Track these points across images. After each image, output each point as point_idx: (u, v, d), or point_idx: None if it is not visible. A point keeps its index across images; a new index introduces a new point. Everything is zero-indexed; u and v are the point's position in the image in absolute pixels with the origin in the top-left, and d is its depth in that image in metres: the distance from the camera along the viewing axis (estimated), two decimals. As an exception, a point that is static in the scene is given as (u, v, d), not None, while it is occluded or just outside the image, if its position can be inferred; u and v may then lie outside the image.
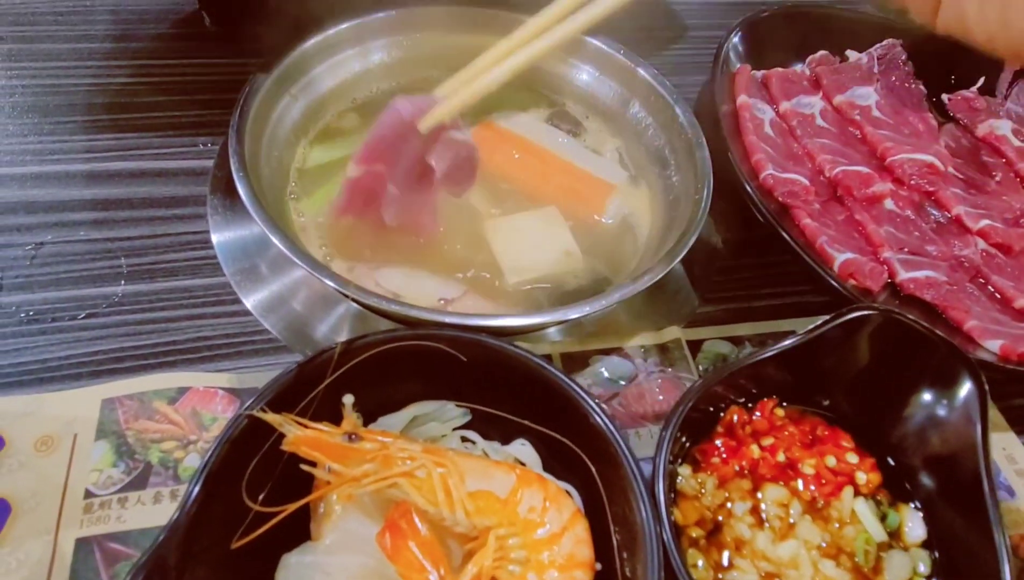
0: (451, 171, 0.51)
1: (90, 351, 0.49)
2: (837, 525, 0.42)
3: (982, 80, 0.77)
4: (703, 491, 0.43)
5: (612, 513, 0.38)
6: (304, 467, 0.36)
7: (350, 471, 0.36)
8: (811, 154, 0.66)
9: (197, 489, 0.33)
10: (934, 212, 0.64)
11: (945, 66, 0.77)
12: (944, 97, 0.77)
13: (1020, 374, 0.53)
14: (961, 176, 0.68)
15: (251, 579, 0.36)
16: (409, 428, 0.43)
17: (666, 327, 0.56)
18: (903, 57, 0.74)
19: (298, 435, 0.36)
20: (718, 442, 0.45)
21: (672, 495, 0.43)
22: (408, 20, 0.64)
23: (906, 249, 0.59)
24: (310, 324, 0.53)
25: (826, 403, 0.48)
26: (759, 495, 0.43)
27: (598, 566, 0.37)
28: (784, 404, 0.48)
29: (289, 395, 0.38)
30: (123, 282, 0.53)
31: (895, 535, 0.43)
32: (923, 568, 0.42)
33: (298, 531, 0.38)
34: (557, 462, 0.42)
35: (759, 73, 0.72)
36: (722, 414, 0.46)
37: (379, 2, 0.63)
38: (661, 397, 0.52)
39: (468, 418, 0.44)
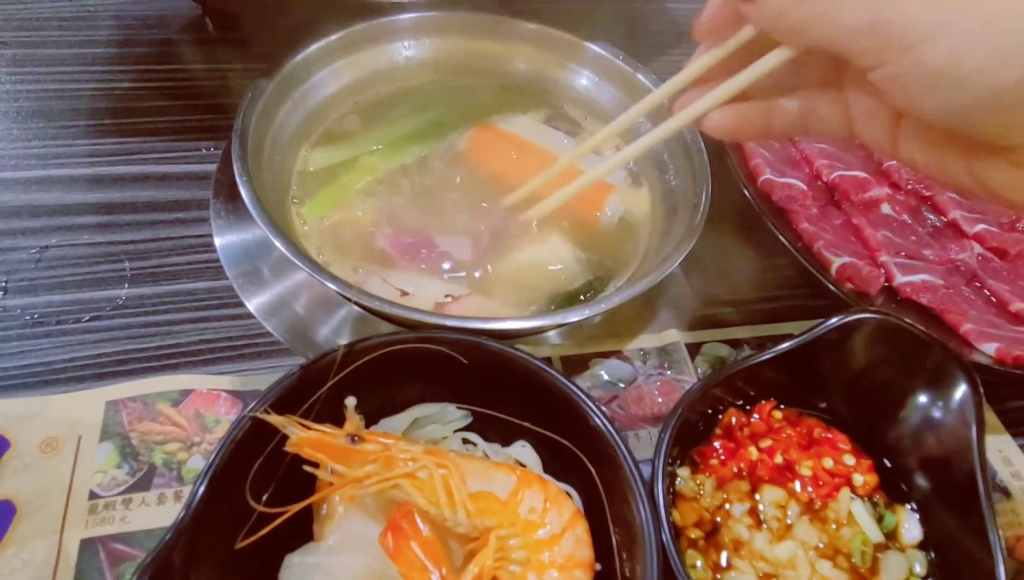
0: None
1: (94, 354, 0.49)
2: (834, 526, 0.43)
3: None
4: (702, 492, 0.44)
5: (612, 514, 0.39)
6: (307, 468, 0.37)
7: (352, 472, 0.36)
8: (809, 159, 0.66)
9: (202, 489, 0.34)
10: (930, 216, 0.65)
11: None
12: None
13: (1015, 377, 0.53)
14: (957, 180, 0.68)
15: (254, 579, 0.36)
16: (411, 430, 0.43)
17: (665, 330, 0.56)
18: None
19: (301, 437, 0.36)
20: (717, 444, 0.46)
21: (671, 496, 0.43)
22: (409, 26, 0.65)
23: (903, 253, 0.60)
24: (312, 327, 0.53)
25: (823, 405, 0.49)
26: (757, 496, 0.44)
27: (598, 566, 0.38)
28: (782, 406, 0.48)
29: (292, 397, 0.38)
30: (127, 285, 0.54)
31: (891, 536, 0.44)
32: (919, 569, 0.43)
33: (301, 532, 0.38)
34: (557, 464, 0.42)
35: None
36: (720, 416, 0.47)
37: (379, 9, 0.64)
38: (660, 399, 0.52)
39: (469, 420, 0.44)
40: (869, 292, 0.57)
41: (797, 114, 0.37)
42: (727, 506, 0.43)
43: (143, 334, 0.51)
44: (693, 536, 0.42)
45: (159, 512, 0.43)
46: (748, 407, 0.48)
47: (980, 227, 0.63)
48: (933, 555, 0.43)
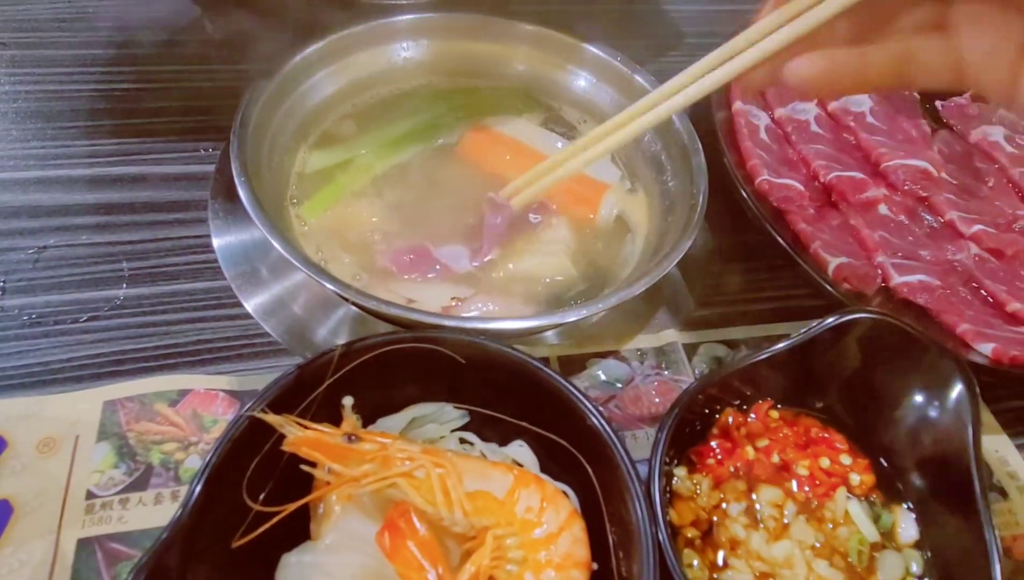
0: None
1: (92, 354, 0.50)
2: (831, 526, 0.43)
3: (975, 87, 0.78)
4: (698, 492, 0.44)
5: (608, 513, 0.39)
6: (304, 468, 0.37)
7: (350, 471, 0.36)
8: (806, 160, 0.67)
9: (199, 489, 0.34)
10: (927, 217, 0.65)
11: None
12: (938, 104, 0.78)
13: (1012, 377, 0.53)
14: (954, 181, 0.69)
15: (251, 579, 0.36)
16: (408, 430, 0.43)
17: (662, 330, 0.56)
18: (897, 64, 0.75)
19: (298, 436, 0.36)
20: (713, 444, 0.46)
21: (668, 496, 0.43)
22: (407, 27, 0.65)
23: (900, 254, 0.60)
24: (310, 327, 0.53)
25: (820, 405, 0.49)
26: (754, 496, 0.44)
27: (595, 566, 0.38)
28: (779, 406, 0.48)
29: (289, 397, 0.38)
30: (125, 285, 0.54)
31: (888, 536, 0.44)
32: (915, 568, 0.43)
33: (298, 531, 0.38)
34: (554, 463, 0.42)
35: (754, 79, 0.72)
36: (717, 416, 0.47)
37: (377, 11, 0.64)
38: (657, 399, 0.52)
39: (466, 420, 0.44)
40: (866, 292, 0.57)
41: (896, 60, 0.34)
42: (724, 505, 0.43)
43: (141, 334, 0.51)
44: (690, 535, 0.42)
45: (156, 512, 0.43)
46: (745, 407, 0.48)
47: (977, 228, 0.63)
48: (929, 554, 0.43)
